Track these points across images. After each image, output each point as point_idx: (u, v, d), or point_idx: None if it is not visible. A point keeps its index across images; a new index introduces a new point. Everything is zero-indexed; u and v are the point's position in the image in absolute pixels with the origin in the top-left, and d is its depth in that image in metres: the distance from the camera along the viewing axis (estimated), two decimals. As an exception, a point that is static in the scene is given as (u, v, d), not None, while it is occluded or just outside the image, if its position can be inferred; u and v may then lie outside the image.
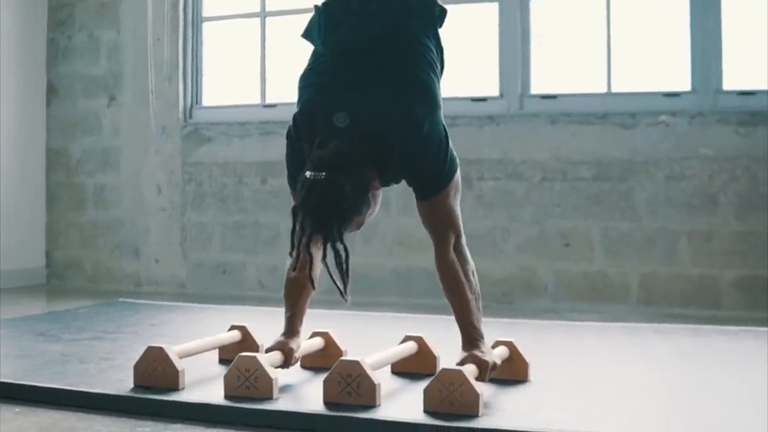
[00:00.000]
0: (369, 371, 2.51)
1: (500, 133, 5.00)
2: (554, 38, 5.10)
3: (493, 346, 2.82)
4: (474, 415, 2.41)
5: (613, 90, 4.92)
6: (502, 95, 5.05)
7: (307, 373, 2.99)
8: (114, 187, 5.83)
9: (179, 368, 2.70)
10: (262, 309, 4.56)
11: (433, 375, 2.87)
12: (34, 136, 5.91)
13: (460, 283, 2.71)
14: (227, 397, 2.61)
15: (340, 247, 2.52)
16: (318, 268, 2.67)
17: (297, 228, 2.54)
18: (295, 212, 2.55)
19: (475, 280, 2.75)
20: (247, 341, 3.15)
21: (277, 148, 5.30)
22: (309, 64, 2.80)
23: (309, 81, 2.74)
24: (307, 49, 2.87)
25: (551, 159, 4.93)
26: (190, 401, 2.58)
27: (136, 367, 2.73)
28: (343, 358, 2.55)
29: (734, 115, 4.64)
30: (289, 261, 2.82)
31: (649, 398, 2.72)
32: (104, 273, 5.83)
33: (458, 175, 2.72)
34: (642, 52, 4.93)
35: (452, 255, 2.72)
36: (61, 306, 4.84)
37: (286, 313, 2.88)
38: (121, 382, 2.79)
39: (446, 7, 2.80)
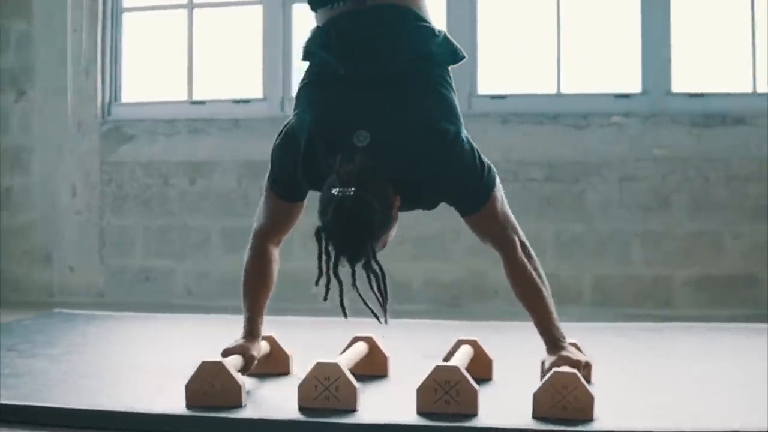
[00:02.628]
0: (468, 377, 2.33)
1: (450, 133, 4.87)
2: (501, 38, 5.02)
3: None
4: (589, 419, 2.27)
5: (563, 91, 4.88)
6: (450, 94, 4.92)
7: (388, 381, 2.82)
8: (23, 189, 5.36)
9: (240, 383, 2.43)
10: (226, 318, 4.24)
11: (488, 379, 2.83)
12: (-73, 134, 5.38)
13: (537, 285, 2.61)
14: (302, 409, 2.37)
15: (375, 266, 2.37)
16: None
17: (322, 251, 2.40)
18: (319, 234, 2.39)
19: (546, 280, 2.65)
20: (275, 351, 2.91)
21: (207, 147, 5.15)
22: (312, 77, 2.60)
23: (318, 95, 2.55)
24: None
25: (502, 160, 4.79)
26: (267, 418, 2.31)
27: (189, 387, 2.41)
28: (439, 363, 2.36)
29: (686, 116, 4.69)
30: (245, 259, 2.71)
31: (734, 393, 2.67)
32: (12, 282, 5.35)
33: (499, 180, 2.61)
34: (591, 53, 4.92)
35: (523, 258, 2.60)
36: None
37: (245, 313, 2.71)
38: (156, 398, 2.50)
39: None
